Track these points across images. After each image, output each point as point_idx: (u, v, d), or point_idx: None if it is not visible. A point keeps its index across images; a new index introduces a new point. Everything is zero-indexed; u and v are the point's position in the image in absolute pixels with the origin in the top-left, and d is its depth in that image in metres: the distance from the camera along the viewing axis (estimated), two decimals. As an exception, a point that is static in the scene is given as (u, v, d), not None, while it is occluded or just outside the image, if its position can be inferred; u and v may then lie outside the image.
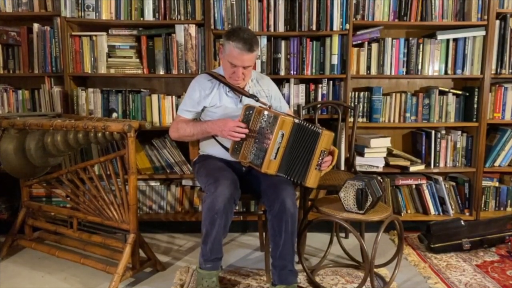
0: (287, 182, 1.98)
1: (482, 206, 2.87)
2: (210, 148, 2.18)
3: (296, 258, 2.00)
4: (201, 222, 1.95)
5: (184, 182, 2.80)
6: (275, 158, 1.92)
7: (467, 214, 2.83)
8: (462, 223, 2.50)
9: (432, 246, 2.48)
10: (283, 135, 1.90)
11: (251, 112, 1.96)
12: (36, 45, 2.64)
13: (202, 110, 2.16)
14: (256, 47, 2.01)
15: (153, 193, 2.81)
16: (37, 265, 2.34)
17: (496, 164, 2.84)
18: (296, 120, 1.93)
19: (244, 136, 1.95)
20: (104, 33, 2.65)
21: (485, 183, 2.85)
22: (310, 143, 1.92)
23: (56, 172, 2.40)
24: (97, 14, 2.59)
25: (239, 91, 2.11)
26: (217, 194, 1.86)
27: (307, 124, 1.94)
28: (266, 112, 1.93)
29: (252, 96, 2.09)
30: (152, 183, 2.80)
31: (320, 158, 1.93)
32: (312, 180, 1.95)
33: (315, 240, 2.66)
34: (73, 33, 2.64)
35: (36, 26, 2.62)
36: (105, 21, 2.61)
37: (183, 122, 2.15)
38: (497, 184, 2.90)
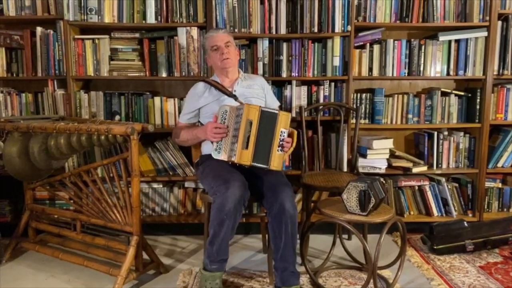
0: (286, 183, 2.01)
1: (485, 207, 2.86)
2: (210, 148, 2.19)
3: (299, 260, 2.00)
4: (209, 223, 1.96)
5: (186, 184, 2.81)
6: (246, 148, 1.95)
7: (470, 215, 2.83)
8: (465, 224, 2.49)
9: (435, 247, 2.47)
10: (251, 123, 1.95)
11: (226, 111, 2.07)
12: (39, 48, 2.65)
13: (199, 111, 2.29)
14: (225, 29, 2.35)
15: (156, 195, 2.82)
16: (40, 268, 2.34)
17: (499, 165, 2.84)
18: (263, 108, 2.00)
19: (224, 135, 2.04)
20: (107, 36, 2.66)
21: (488, 184, 2.85)
22: (271, 126, 1.99)
23: (59, 174, 2.42)
24: (99, 17, 2.60)
25: (224, 92, 2.21)
26: (228, 194, 1.88)
27: (270, 109, 2.03)
28: (239, 108, 2.02)
29: (232, 96, 2.20)
30: (155, 185, 2.80)
31: (281, 138, 1.99)
32: (276, 162, 2.00)
33: (318, 242, 2.66)
34: (76, 36, 2.65)
35: (39, 29, 2.64)
36: (107, 24, 2.62)
37: (180, 128, 2.32)
38: (500, 185, 2.89)
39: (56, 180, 2.42)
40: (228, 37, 2.25)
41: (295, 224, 1.95)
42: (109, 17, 2.61)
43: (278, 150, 1.98)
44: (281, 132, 2.00)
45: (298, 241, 2.07)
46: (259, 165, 1.99)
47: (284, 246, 1.94)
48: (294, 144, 2.08)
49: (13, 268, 2.35)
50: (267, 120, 1.99)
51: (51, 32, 2.64)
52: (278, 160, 2.00)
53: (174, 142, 2.35)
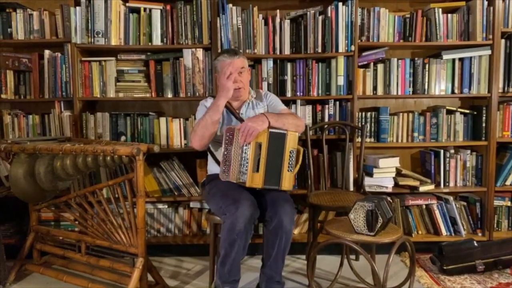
0: (287, 199, 2.02)
1: (495, 226, 2.82)
2: (216, 168, 2.19)
3: (307, 281, 1.97)
4: (219, 243, 1.97)
5: (192, 204, 2.79)
6: (257, 171, 1.94)
7: (480, 234, 2.78)
8: (475, 244, 2.45)
9: (445, 268, 2.43)
10: (260, 146, 1.94)
11: (231, 133, 2.02)
12: (47, 70, 2.68)
13: None
14: (240, 53, 2.22)
15: (161, 216, 2.80)
16: (44, 290, 2.32)
17: (508, 183, 2.80)
18: (272, 130, 1.98)
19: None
20: (113, 58, 2.69)
21: (496, 202, 2.81)
22: (280, 147, 1.99)
23: (65, 196, 2.41)
24: (106, 40, 2.64)
25: (232, 112, 2.20)
26: (238, 214, 1.87)
27: (278, 129, 2.00)
28: None
29: (240, 119, 2.17)
30: (160, 206, 2.79)
31: (291, 159, 1.99)
32: (287, 183, 2.01)
33: (325, 262, 2.62)
34: (83, 59, 2.69)
35: (47, 52, 2.68)
36: (114, 47, 2.66)
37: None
38: (509, 204, 2.85)
39: (61, 201, 2.42)
40: (242, 63, 2.20)
41: (289, 239, 1.99)
42: (115, 40, 2.65)
43: (288, 170, 1.98)
44: (290, 151, 2.00)
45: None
46: (270, 187, 1.99)
47: (275, 257, 1.99)
48: (300, 162, 2.09)
49: (17, 291, 2.33)
50: (276, 141, 1.98)
51: (59, 55, 2.68)
52: (288, 180, 2.00)
53: (197, 145, 2.13)
